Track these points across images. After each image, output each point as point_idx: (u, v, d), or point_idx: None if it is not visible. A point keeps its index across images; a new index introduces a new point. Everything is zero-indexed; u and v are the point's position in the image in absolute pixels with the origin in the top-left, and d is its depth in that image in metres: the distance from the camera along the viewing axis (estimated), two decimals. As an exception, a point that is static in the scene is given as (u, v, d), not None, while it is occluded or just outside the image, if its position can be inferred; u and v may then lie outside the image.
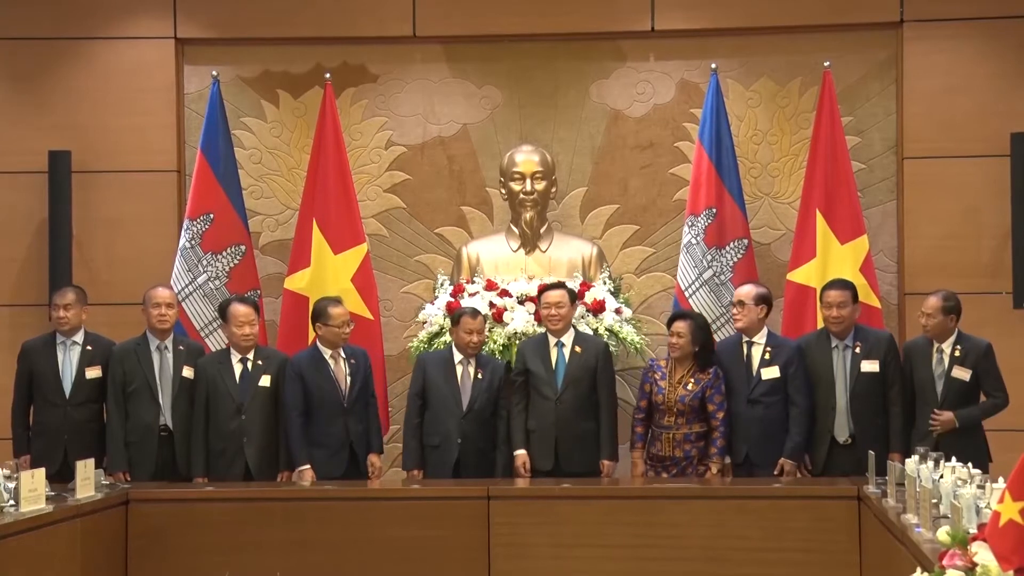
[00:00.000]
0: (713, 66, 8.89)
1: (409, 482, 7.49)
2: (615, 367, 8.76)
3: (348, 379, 7.74)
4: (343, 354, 7.77)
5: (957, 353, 7.32)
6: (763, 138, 9.35)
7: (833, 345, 7.57)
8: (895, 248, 9.16)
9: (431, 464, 7.66)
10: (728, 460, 7.59)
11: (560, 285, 7.98)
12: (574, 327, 7.91)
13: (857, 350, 7.51)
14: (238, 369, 7.68)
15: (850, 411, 7.47)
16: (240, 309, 7.71)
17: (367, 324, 8.68)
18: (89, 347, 7.74)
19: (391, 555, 6.74)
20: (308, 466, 7.54)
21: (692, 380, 7.59)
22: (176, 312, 7.96)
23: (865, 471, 6.99)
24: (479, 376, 7.73)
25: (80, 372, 7.69)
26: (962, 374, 7.29)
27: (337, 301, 7.90)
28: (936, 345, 7.38)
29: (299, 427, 7.60)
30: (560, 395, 7.65)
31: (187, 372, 7.71)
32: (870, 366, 7.45)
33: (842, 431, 7.48)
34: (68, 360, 7.71)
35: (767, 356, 7.60)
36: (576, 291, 8.11)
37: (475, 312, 7.89)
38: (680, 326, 7.62)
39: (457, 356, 7.78)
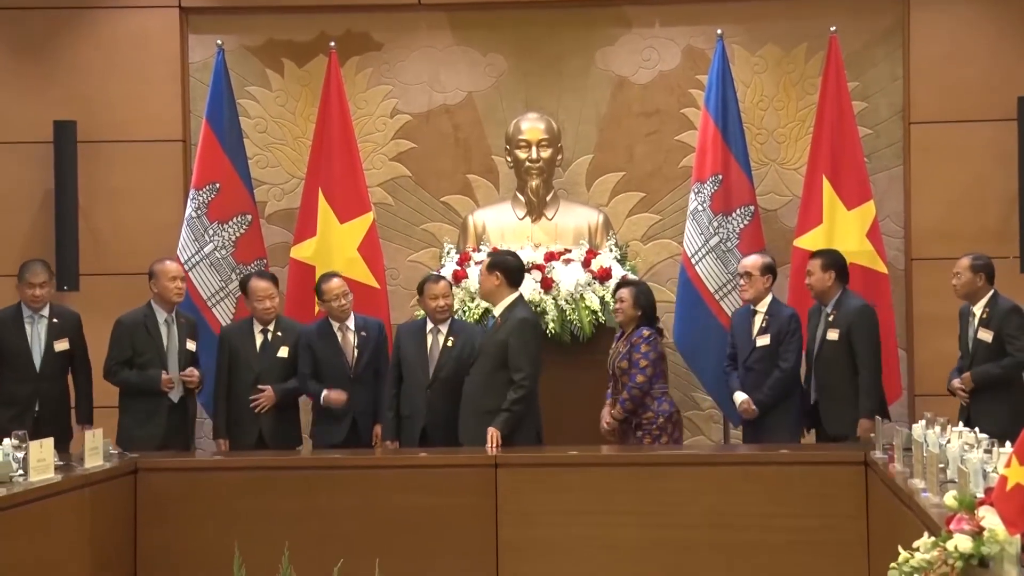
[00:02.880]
0: (719, 32, 8.85)
1: (386, 453, 7.50)
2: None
3: (356, 351, 7.83)
4: (351, 326, 7.87)
5: (985, 315, 7.35)
6: (769, 104, 9.32)
7: (821, 312, 7.70)
8: (902, 213, 9.15)
9: (404, 434, 7.68)
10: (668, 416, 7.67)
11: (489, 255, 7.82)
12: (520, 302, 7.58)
13: (831, 318, 7.60)
14: (259, 340, 7.86)
15: (815, 375, 7.68)
16: (259, 284, 7.88)
17: (374, 293, 8.70)
18: (56, 320, 7.80)
19: (399, 523, 6.75)
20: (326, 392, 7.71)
21: (624, 342, 7.72)
22: (186, 284, 8.04)
23: (818, 435, 7.50)
24: (449, 344, 7.68)
25: (49, 345, 7.75)
26: (985, 336, 7.32)
27: (331, 275, 8.00)
28: (971, 308, 7.44)
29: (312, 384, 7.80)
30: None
31: (190, 345, 7.83)
32: (832, 334, 7.55)
33: (814, 394, 7.72)
34: (36, 334, 7.75)
35: (764, 324, 7.72)
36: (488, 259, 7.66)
37: (438, 277, 7.88)
38: (623, 293, 7.80)
39: (429, 325, 7.77)
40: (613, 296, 8.00)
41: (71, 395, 7.94)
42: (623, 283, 8.04)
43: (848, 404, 7.48)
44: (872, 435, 7.28)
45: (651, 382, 7.60)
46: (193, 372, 7.72)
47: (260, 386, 7.77)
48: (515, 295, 7.43)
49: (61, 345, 7.78)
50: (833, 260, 7.71)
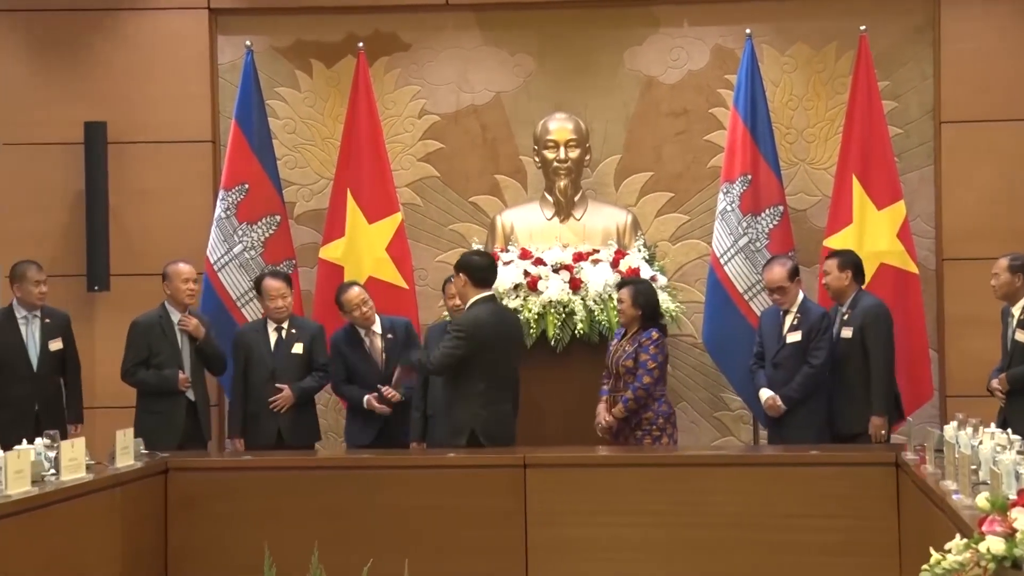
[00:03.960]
0: (748, 31, 8.82)
1: (415, 453, 7.54)
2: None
3: (383, 355, 7.89)
4: (378, 330, 7.96)
5: (1023, 316, 7.32)
6: (799, 103, 9.29)
7: (837, 312, 7.80)
8: (933, 213, 9.10)
9: (429, 433, 7.83)
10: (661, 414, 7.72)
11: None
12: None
13: (846, 317, 7.70)
14: (273, 338, 7.93)
15: (830, 374, 7.76)
16: (272, 284, 7.97)
17: (402, 293, 8.72)
18: (48, 320, 7.95)
19: (428, 523, 6.76)
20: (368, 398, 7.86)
21: (630, 342, 7.75)
22: (199, 286, 8.16)
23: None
24: None
25: (44, 345, 7.89)
26: (1022, 337, 7.27)
27: (349, 285, 8.11)
28: (1010, 308, 7.42)
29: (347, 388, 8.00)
30: None
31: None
32: (845, 332, 7.67)
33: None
34: (31, 334, 7.90)
35: (795, 322, 7.75)
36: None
37: (450, 278, 7.94)
38: (622, 293, 7.88)
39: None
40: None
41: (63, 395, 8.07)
42: (623, 283, 8.09)
43: (861, 402, 7.60)
44: (883, 432, 7.37)
45: (656, 384, 7.66)
46: (189, 318, 7.83)
47: (278, 385, 7.81)
48: (481, 295, 7.31)
49: (55, 344, 7.94)
50: (850, 260, 7.83)
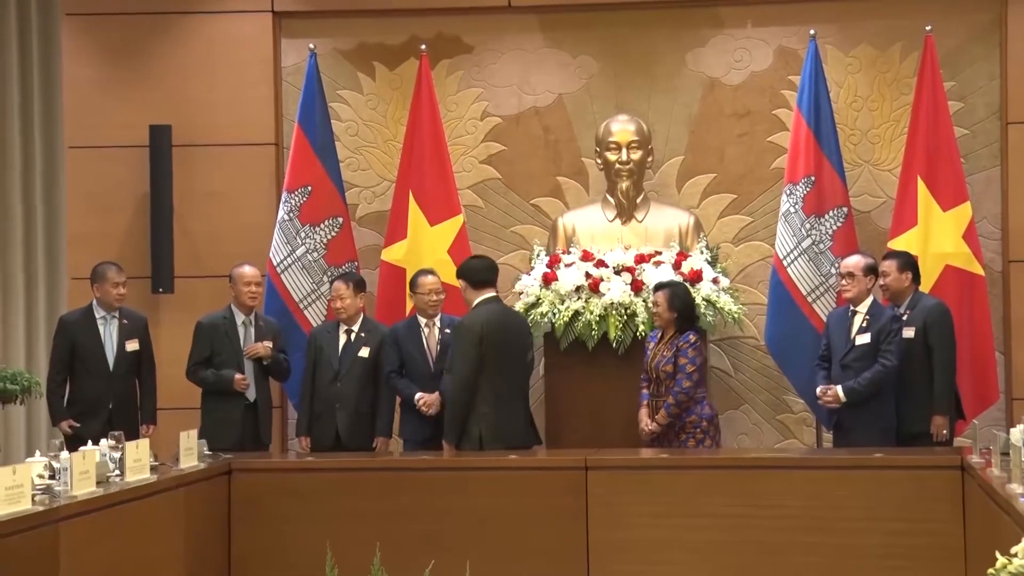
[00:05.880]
0: (812, 32, 8.76)
1: (476, 454, 7.48)
2: (713, 336, 8.76)
3: (438, 347, 7.93)
4: (439, 324, 7.97)
5: None
6: (863, 104, 9.21)
7: (893, 311, 7.74)
8: (999, 215, 9.00)
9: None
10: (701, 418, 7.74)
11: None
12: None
13: (905, 317, 7.64)
14: (342, 340, 8.00)
15: None
16: (334, 284, 8.12)
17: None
18: (126, 321, 8.11)
19: (489, 525, 6.77)
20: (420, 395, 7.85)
21: (668, 346, 7.75)
22: (262, 289, 8.28)
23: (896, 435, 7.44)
24: None
25: (121, 345, 8.04)
26: None
27: (428, 272, 8.15)
28: None
29: (391, 393, 7.98)
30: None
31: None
32: (907, 332, 7.60)
33: None
34: (109, 334, 8.06)
35: (864, 324, 7.64)
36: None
37: None
38: (657, 296, 7.88)
39: None
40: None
41: (137, 395, 8.22)
42: (658, 285, 8.05)
43: (923, 402, 7.55)
44: (944, 432, 7.31)
45: (696, 387, 7.66)
46: (255, 346, 7.96)
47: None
48: (482, 297, 7.45)
49: (132, 345, 8.09)
50: (909, 261, 7.80)
